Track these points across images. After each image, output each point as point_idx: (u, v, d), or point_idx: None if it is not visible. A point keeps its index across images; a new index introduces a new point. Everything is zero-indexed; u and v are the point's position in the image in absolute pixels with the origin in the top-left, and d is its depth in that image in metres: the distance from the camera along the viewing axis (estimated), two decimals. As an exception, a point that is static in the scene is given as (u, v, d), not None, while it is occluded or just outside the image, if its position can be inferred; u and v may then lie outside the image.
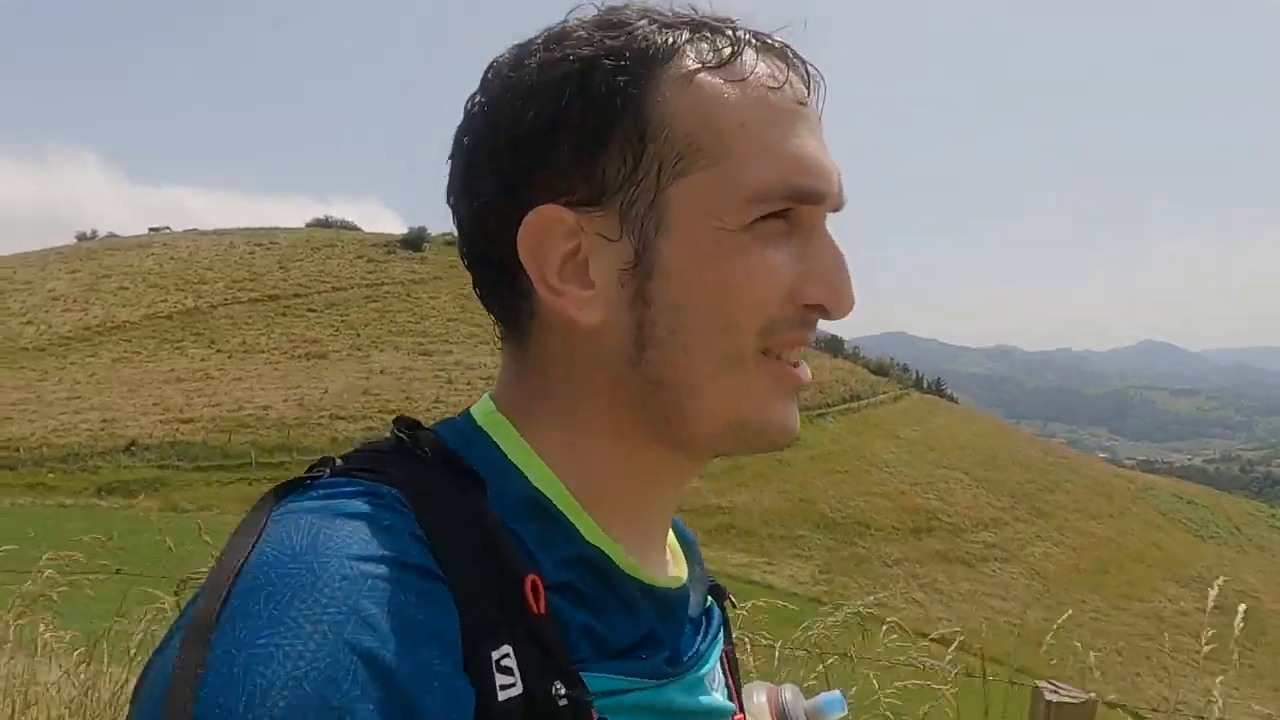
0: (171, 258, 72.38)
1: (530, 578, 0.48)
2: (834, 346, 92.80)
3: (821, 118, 0.57)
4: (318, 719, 0.38)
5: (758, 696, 0.68)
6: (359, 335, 59.00)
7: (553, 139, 0.52)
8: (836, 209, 0.57)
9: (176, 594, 2.97)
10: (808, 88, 0.56)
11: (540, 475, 0.55)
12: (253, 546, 0.44)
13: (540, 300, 0.55)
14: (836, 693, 0.69)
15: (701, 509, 40.97)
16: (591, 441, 0.56)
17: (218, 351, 56.13)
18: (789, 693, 0.69)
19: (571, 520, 0.54)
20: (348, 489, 0.49)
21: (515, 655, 0.46)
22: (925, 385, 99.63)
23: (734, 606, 0.72)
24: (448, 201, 0.58)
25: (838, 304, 0.55)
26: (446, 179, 0.58)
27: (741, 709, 0.66)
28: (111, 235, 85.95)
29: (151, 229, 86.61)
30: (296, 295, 66.37)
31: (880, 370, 79.61)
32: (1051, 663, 3.07)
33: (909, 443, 54.21)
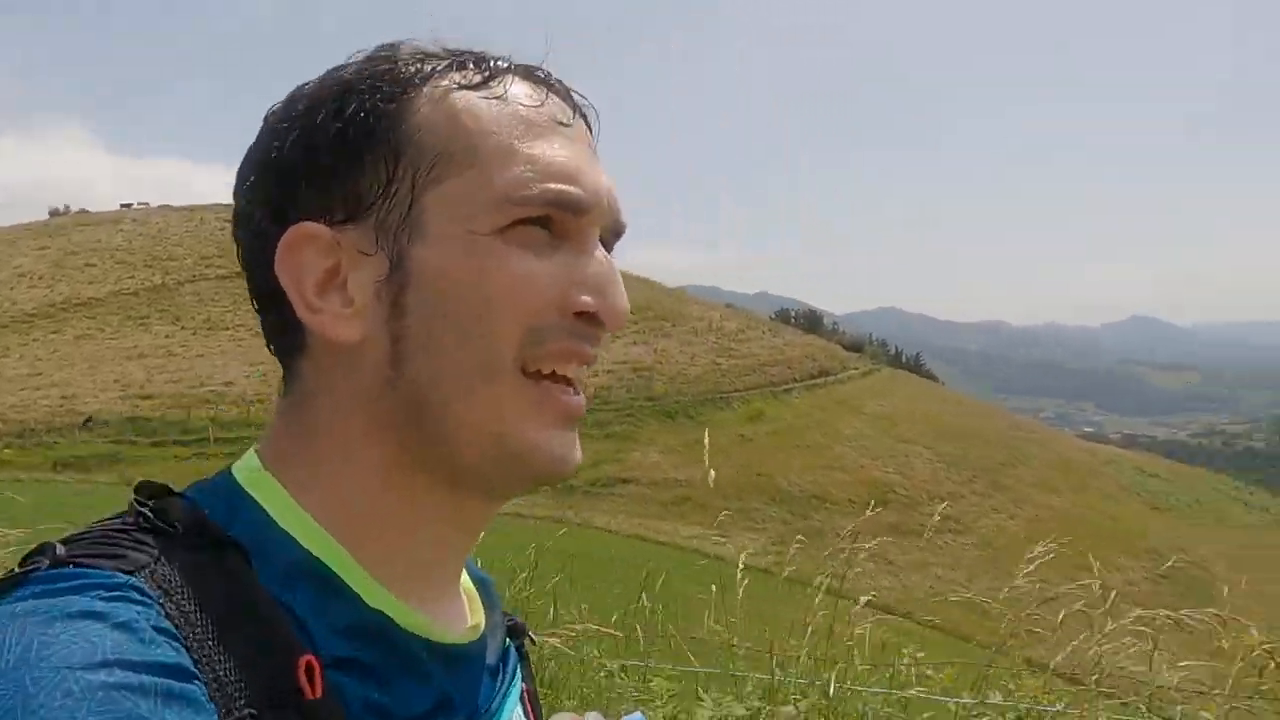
0: (141, 234, 72.13)
1: (304, 659, 0.45)
2: (810, 322, 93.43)
3: (596, 148, 0.58)
4: None
5: None
6: (327, 312, 59.09)
7: (310, 159, 0.53)
8: (614, 231, 0.58)
9: None
10: (574, 114, 0.57)
11: (312, 537, 0.52)
12: None
13: (306, 330, 0.54)
14: (638, 714, 0.70)
15: (661, 482, 41.51)
16: (364, 488, 0.54)
17: (182, 328, 56.17)
18: None
19: (350, 584, 0.51)
20: (71, 583, 0.43)
21: None
22: (904, 361, 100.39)
23: (533, 643, 0.71)
24: (234, 237, 0.57)
25: (609, 311, 0.55)
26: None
27: None
28: (83, 211, 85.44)
29: (123, 205, 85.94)
30: (266, 272, 66.41)
31: (854, 346, 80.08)
32: (1001, 631, 3.23)
33: (874, 418, 54.67)
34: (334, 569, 0.51)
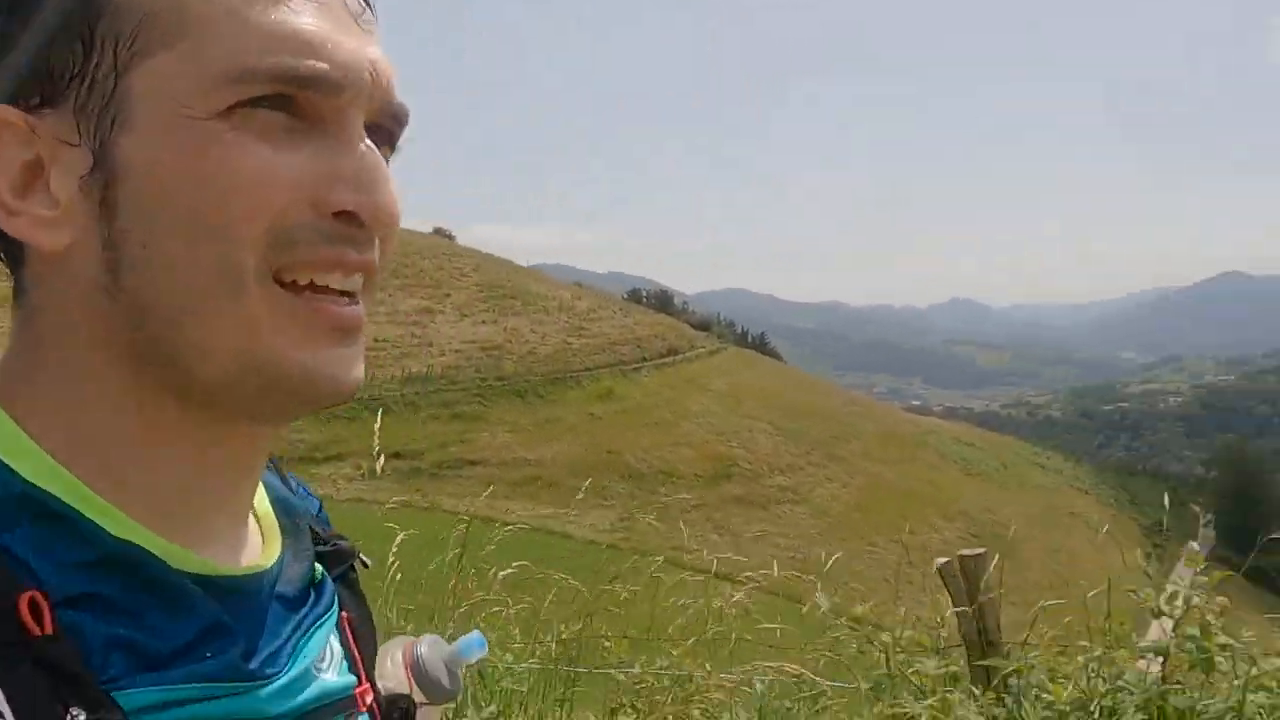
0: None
1: (26, 596, 0.41)
2: (661, 302, 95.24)
3: (368, 17, 0.49)
4: None
5: (393, 657, 0.65)
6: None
7: None
8: (390, 115, 0.49)
9: None
10: None
11: (39, 468, 0.45)
12: None
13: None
14: (475, 633, 0.66)
15: (509, 461, 41.23)
16: (98, 410, 0.47)
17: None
18: (425, 646, 0.65)
19: (89, 516, 0.45)
20: None
21: (3, 692, 0.38)
22: (750, 340, 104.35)
23: (365, 565, 0.65)
24: None
25: (372, 210, 0.46)
26: None
27: (366, 678, 0.60)
28: None
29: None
30: None
31: (703, 325, 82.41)
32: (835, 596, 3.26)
33: (720, 395, 56.56)
34: (67, 501, 0.45)
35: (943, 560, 2.54)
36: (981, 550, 2.56)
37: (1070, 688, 2.10)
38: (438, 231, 79.78)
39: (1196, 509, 4.39)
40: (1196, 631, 2.04)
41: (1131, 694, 2.01)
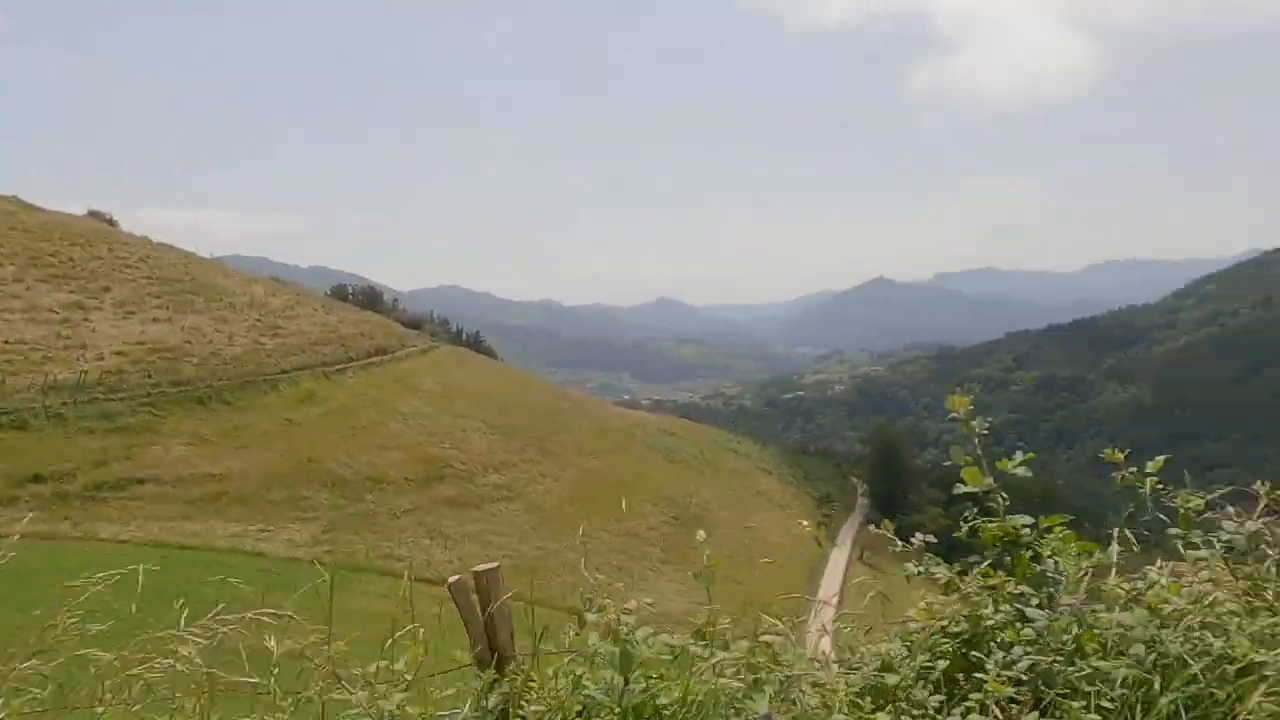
0: None
1: None
2: (369, 299, 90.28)
3: None
4: None
5: None
6: None
7: None
8: None
9: None
10: None
11: None
12: None
13: None
14: None
15: (187, 478, 36.44)
16: None
17: None
18: None
19: None
20: None
21: None
22: (464, 338, 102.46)
23: None
24: None
25: None
26: None
27: None
28: None
29: None
30: None
31: (414, 324, 79.47)
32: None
33: (431, 395, 54.81)
34: None
35: (454, 578, 2.37)
36: (495, 565, 2.43)
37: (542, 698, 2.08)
38: (93, 215, 68.37)
39: (855, 481, 4.78)
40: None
41: (597, 699, 2.05)
